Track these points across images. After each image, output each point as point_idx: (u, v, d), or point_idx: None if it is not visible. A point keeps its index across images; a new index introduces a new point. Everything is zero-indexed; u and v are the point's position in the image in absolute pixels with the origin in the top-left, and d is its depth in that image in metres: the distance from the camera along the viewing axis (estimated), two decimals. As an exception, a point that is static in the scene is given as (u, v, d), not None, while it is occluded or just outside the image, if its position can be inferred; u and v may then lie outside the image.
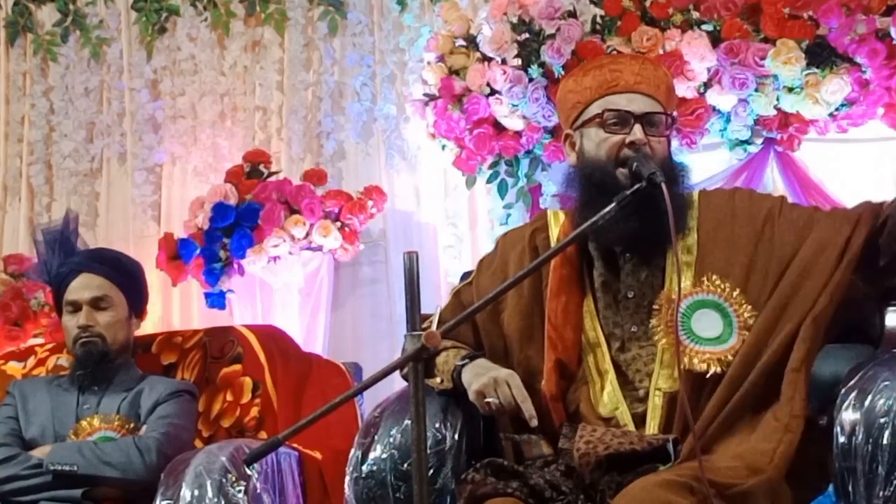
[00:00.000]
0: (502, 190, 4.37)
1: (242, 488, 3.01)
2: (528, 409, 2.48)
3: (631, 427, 2.47)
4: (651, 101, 2.58)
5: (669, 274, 2.52)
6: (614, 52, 3.97)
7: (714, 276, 2.48)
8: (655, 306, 2.51)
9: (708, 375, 2.42)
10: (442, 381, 2.63)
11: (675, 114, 2.68)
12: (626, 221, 2.48)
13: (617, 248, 2.59)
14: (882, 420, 2.32)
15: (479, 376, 2.53)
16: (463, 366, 2.59)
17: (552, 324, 2.57)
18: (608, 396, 2.52)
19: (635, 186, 2.43)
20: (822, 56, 3.89)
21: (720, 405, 2.40)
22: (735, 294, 2.46)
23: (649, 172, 2.43)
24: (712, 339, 2.45)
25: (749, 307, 2.46)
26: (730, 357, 2.43)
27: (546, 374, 2.54)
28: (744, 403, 2.40)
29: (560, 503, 2.36)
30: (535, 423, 2.48)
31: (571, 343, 2.58)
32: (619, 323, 2.57)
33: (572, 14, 4.16)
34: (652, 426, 2.46)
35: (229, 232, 4.55)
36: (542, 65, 4.14)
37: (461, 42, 4.33)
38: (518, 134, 4.25)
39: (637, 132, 2.55)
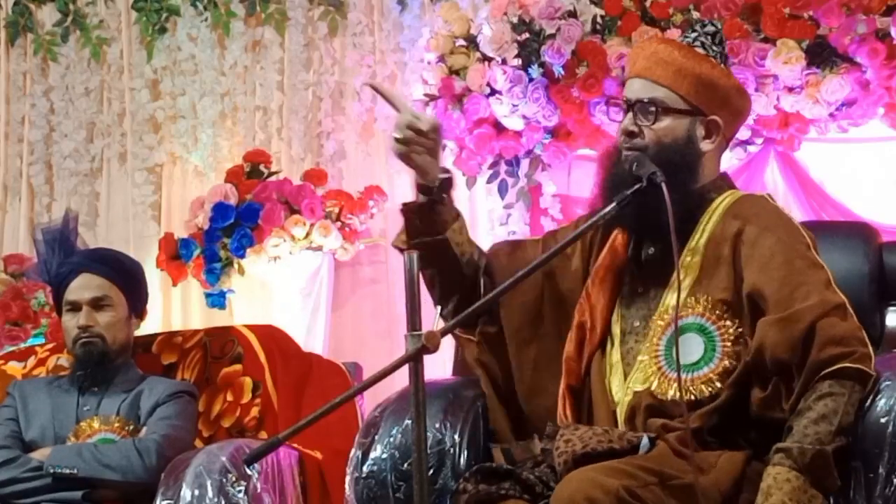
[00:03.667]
0: (502, 190, 4.37)
1: (243, 488, 3.01)
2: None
3: (621, 425, 2.47)
4: (651, 85, 2.51)
5: (674, 283, 2.46)
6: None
7: (707, 297, 2.44)
8: (649, 322, 2.50)
9: (668, 398, 2.42)
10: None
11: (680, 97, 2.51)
12: (635, 216, 2.48)
13: (639, 236, 2.57)
14: (882, 420, 2.32)
15: None
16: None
17: (587, 291, 2.58)
18: (616, 388, 2.52)
19: (635, 186, 2.43)
20: (822, 56, 3.88)
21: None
22: (724, 318, 2.43)
23: (649, 173, 2.43)
24: (688, 366, 2.42)
25: (736, 330, 2.42)
26: (699, 384, 2.41)
27: (569, 335, 2.56)
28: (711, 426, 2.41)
29: (549, 499, 2.36)
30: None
31: (600, 310, 2.57)
32: (625, 316, 2.56)
33: (572, 14, 4.15)
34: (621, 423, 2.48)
35: (229, 232, 4.55)
36: (542, 65, 4.14)
37: (461, 42, 4.33)
38: (518, 134, 4.25)
39: (626, 120, 2.52)
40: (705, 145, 2.54)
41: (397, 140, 2.52)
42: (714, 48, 2.54)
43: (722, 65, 2.55)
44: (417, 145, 2.52)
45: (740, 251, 2.45)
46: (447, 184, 2.59)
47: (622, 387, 2.51)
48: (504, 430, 2.63)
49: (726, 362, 2.41)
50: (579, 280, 2.64)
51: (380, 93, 2.68)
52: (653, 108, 2.50)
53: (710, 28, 2.58)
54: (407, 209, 2.61)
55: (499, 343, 2.68)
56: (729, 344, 2.41)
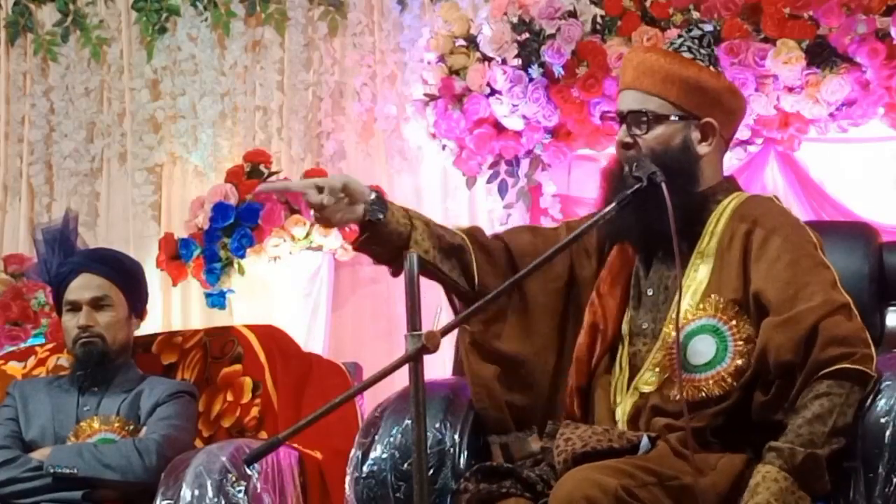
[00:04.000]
0: (502, 190, 4.37)
1: (243, 488, 3.01)
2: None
3: (622, 425, 2.47)
4: (642, 95, 2.52)
5: (681, 280, 2.45)
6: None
7: (716, 297, 2.44)
8: (658, 325, 2.50)
9: (676, 398, 2.41)
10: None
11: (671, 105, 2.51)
12: (639, 221, 2.48)
13: (645, 243, 2.56)
14: (882, 420, 2.32)
15: None
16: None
17: (598, 292, 2.58)
18: (620, 388, 2.52)
19: (635, 186, 2.43)
20: (822, 56, 3.89)
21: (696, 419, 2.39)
22: (736, 318, 2.42)
23: (649, 173, 2.43)
24: (700, 366, 2.42)
25: (748, 329, 2.41)
26: (711, 383, 2.40)
27: (581, 335, 2.56)
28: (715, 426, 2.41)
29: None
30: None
31: (611, 311, 2.57)
32: (634, 317, 2.56)
33: (572, 14, 4.16)
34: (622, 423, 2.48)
35: (229, 232, 4.56)
36: (542, 65, 4.15)
37: (461, 42, 4.33)
38: (518, 134, 4.26)
39: (621, 132, 2.53)
40: (702, 148, 2.54)
41: (318, 210, 2.44)
42: (701, 51, 2.55)
43: (711, 67, 2.55)
44: (335, 207, 2.44)
45: (750, 252, 2.45)
46: (379, 204, 2.48)
47: (625, 388, 2.51)
48: (496, 426, 2.61)
49: (739, 361, 2.40)
50: (593, 278, 2.64)
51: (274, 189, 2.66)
52: (644, 118, 2.51)
53: (695, 32, 2.59)
54: (362, 247, 2.53)
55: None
56: (741, 343, 2.41)
